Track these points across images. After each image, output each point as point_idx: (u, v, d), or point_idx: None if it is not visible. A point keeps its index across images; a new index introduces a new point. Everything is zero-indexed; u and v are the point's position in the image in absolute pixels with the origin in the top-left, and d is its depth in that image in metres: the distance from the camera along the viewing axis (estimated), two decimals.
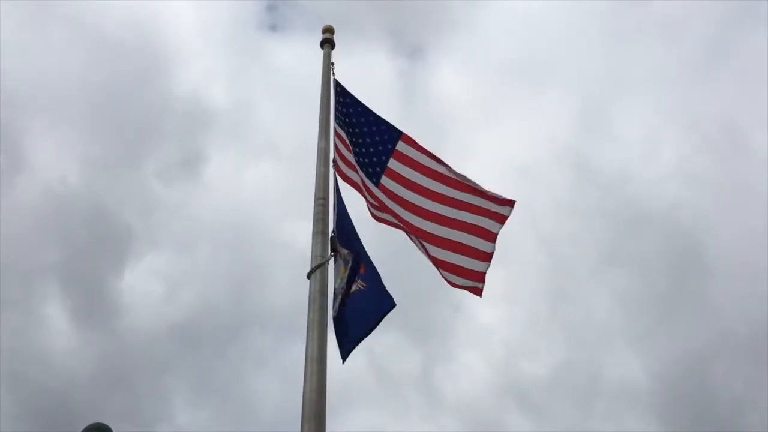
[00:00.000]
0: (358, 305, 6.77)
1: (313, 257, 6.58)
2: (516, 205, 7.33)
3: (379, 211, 7.93)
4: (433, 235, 7.55)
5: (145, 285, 28.87)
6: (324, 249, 6.66)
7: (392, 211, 7.78)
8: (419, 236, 7.60)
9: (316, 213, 7.07)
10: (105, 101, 30.77)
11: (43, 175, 29.08)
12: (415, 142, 7.93)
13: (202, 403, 26.90)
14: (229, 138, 33.60)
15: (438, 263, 7.50)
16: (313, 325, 5.99)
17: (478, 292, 7.40)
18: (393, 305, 6.84)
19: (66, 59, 31.77)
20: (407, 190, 7.78)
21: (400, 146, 7.91)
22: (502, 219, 7.40)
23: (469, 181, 7.59)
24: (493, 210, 7.41)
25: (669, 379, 27.21)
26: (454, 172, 7.68)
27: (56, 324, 26.43)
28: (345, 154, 8.22)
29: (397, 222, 7.77)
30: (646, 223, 30.99)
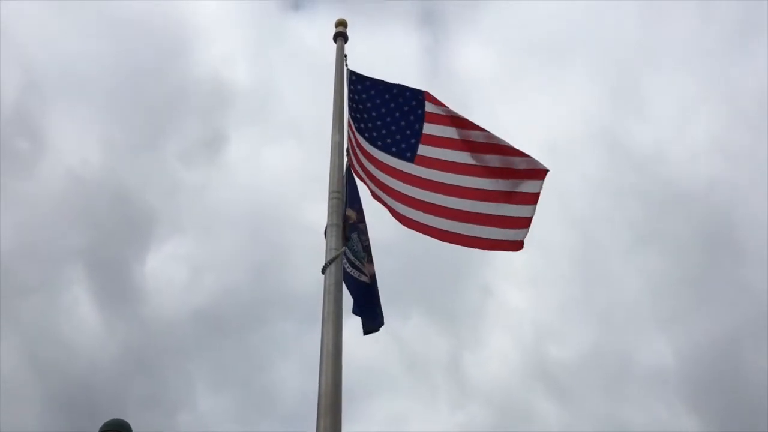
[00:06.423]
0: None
1: (328, 250, 6.57)
2: (547, 179, 7.13)
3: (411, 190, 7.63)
4: (468, 212, 7.35)
5: (168, 270, 29.05)
6: (338, 242, 6.65)
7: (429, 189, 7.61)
8: (454, 218, 7.37)
9: (330, 206, 7.04)
10: (125, 82, 30.78)
11: (65, 159, 29.15)
12: (437, 100, 7.88)
13: (224, 390, 27.06)
14: (250, 119, 33.57)
15: (472, 242, 7.29)
16: (329, 317, 5.98)
17: (517, 246, 7.23)
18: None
19: (86, 40, 31.76)
20: (440, 171, 7.61)
21: (429, 107, 7.86)
22: (541, 175, 7.19)
23: (499, 140, 7.43)
24: (530, 168, 7.21)
25: (700, 363, 26.88)
26: (483, 132, 7.55)
27: (81, 310, 26.69)
28: (357, 145, 8.18)
29: (422, 219, 7.49)
30: (679, 203, 30.51)
